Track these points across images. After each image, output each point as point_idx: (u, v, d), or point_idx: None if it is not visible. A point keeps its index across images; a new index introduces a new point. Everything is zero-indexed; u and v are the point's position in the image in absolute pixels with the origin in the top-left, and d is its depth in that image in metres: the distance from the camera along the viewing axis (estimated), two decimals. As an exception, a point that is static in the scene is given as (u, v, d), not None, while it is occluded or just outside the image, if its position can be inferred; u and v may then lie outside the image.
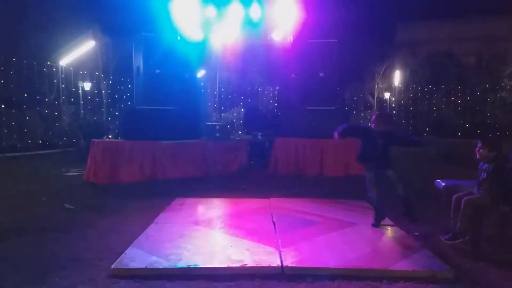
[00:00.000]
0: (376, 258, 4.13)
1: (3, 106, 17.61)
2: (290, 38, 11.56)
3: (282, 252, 4.25)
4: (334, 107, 11.21)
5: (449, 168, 11.20)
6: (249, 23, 10.83)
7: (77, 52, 20.14)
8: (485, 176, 4.65)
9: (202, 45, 11.42)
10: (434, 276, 3.74)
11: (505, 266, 4.08)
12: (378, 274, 3.78)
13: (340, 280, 3.67)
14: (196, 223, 5.56)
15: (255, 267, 3.90)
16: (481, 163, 4.82)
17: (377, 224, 5.40)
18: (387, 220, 5.67)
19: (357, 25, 23.37)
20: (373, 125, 5.43)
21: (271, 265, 3.93)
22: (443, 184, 5.74)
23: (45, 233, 5.16)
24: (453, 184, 5.55)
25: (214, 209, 6.51)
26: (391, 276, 3.74)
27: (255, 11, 10.54)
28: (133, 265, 3.90)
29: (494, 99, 27.13)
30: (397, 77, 29.57)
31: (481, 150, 4.74)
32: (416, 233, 5.12)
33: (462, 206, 4.52)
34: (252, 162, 10.94)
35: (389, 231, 5.28)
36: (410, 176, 10.37)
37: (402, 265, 3.94)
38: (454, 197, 4.83)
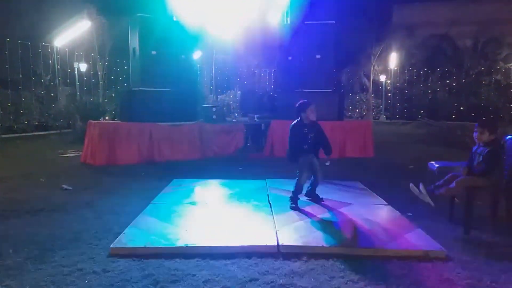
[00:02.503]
0: (370, 238, 4.22)
1: (-2, 87, 17.50)
2: (287, 20, 11.50)
3: (278, 232, 4.33)
4: (330, 90, 11.22)
5: (443, 150, 11.29)
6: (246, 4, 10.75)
7: (73, 33, 19.91)
8: (481, 160, 4.68)
9: (198, 27, 11.34)
10: (427, 255, 3.83)
11: (496, 246, 4.18)
12: (371, 253, 3.87)
13: (335, 259, 3.75)
14: (194, 203, 5.62)
15: (252, 245, 3.98)
16: (476, 147, 4.85)
17: (293, 203, 5.40)
18: (381, 200, 5.77)
19: (355, 7, 23.16)
20: (309, 115, 5.44)
21: (268, 244, 4.01)
22: (437, 165, 5.82)
23: (44, 213, 5.22)
24: (447, 165, 5.61)
25: (211, 190, 6.58)
26: (385, 255, 3.83)
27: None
28: (132, 244, 3.97)
29: (489, 82, 27.20)
30: (393, 60, 29.52)
31: (477, 133, 4.75)
32: (409, 214, 5.21)
33: (455, 183, 4.58)
34: (248, 145, 10.99)
35: (383, 211, 5.37)
36: (403, 157, 10.50)
37: (395, 245, 4.03)
38: (450, 174, 4.88)
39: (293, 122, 5.56)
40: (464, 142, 10.49)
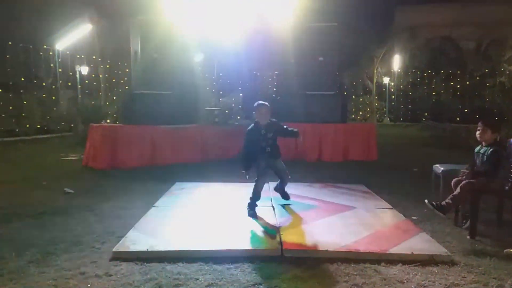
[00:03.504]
0: (375, 242, 4.17)
1: (0, 90, 17.51)
2: (289, 22, 11.46)
3: (281, 235, 4.29)
4: (333, 92, 11.19)
5: (447, 153, 11.24)
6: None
7: (74, 36, 19.96)
8: (485, 160, 4.65)
9: (200, 29, 11.33)
10: (432, 259, 3.78)
11: (502, 249, 4.12)
12: (376, 257, 3.82)
13: (339, 263, 3.71)
14: (196, 206, 5.60)
15: (255, 249, 3.95)
16: (479, 147, 4.82)
17: (251, 209, 5.30)
18: (385, 204, 5.73)
19: (357, 9, 23.16)
20: (257, 117, 5.35)
21: (271, 248, 3.98)
22: (442, 168, 5.77)
23: (46, 217, 5.19)
24: (452, 168, 5.58)
25: (213, 193, 6.55)
26: (389, 259, 3.78)
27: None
28: (134, 248, 3.93)
29: (493, 84, 27.13)
30: (396, 62, 29.47)
31: (479, 132, 4.74)
32: (415, 217, 5.17)
33: (459, 188, 4.54)
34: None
35: (388, 215, 5.32)
36: (408, 160, 10.46)
37: (400, 249, 3.98)
38: (453, 180, 4.85)
39: (250, 126, 5.44)
40: (468, 144, 10.44)
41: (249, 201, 5.35)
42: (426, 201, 4.65)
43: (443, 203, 4.54)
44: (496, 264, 3.79)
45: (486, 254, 4.02)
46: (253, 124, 5.40)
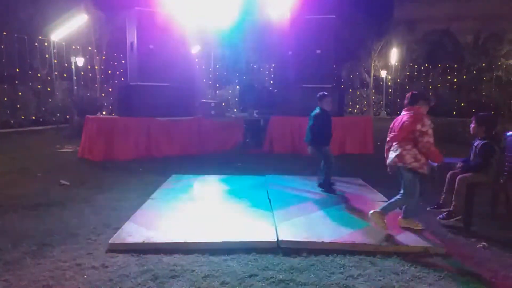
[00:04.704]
0: (370, 234, 4.20)
1: (-5, 81, 17.40)
2: (287, 14, 11.43)
3: (277, 227, 4.31)
4: (330, 85, 11.17)
5: (443, 147, 11.26)
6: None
7: (70, 27, 19.80)
8: (476, 152, 4.71)
9: (197, 21, 11.28)
10: (426, 251, 3.82)
11: (495, 242, 4.16)
12: (371, 249, 3.85)
13: (335, 255, 3.73)
14: (192, 199, 5.60)
15: (251, 241, 3.96)
16: (474, 140, 4.87)
17: (328, 189, 6.03)
18: (381, 197, 5.76)
19: (355, 2, 23.10)
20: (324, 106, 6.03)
21: (267, 240, 3.99)
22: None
23: (42, 208, 5.18)
24: (447, 162, 5.59)
25: (210, 185, 6.55)
26: (385, 251, 3.81)
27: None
28: (131, 239, 3.94)
29: (490, 78, 27.21)
30: (394, 55, 29.46)
31: (473, 126, 4.80)
32: (410, 210, 5.18)
33: (456, 184, 4.57)
34: (247, 140, 10.93)
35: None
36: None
37: (395, 241, 4.01)
38: (449, 173, 4.89)
39: (317, 111, 6.01)
40: (464, 138, 10.49)
41: (324, 180, 6.06)
42: (438, 218, 4.75)
43: (451, 209, 4.60)
44: (489, 256, 3.83)
45: (480, 246, 4.05)
46: (319, 111, 5.99)
